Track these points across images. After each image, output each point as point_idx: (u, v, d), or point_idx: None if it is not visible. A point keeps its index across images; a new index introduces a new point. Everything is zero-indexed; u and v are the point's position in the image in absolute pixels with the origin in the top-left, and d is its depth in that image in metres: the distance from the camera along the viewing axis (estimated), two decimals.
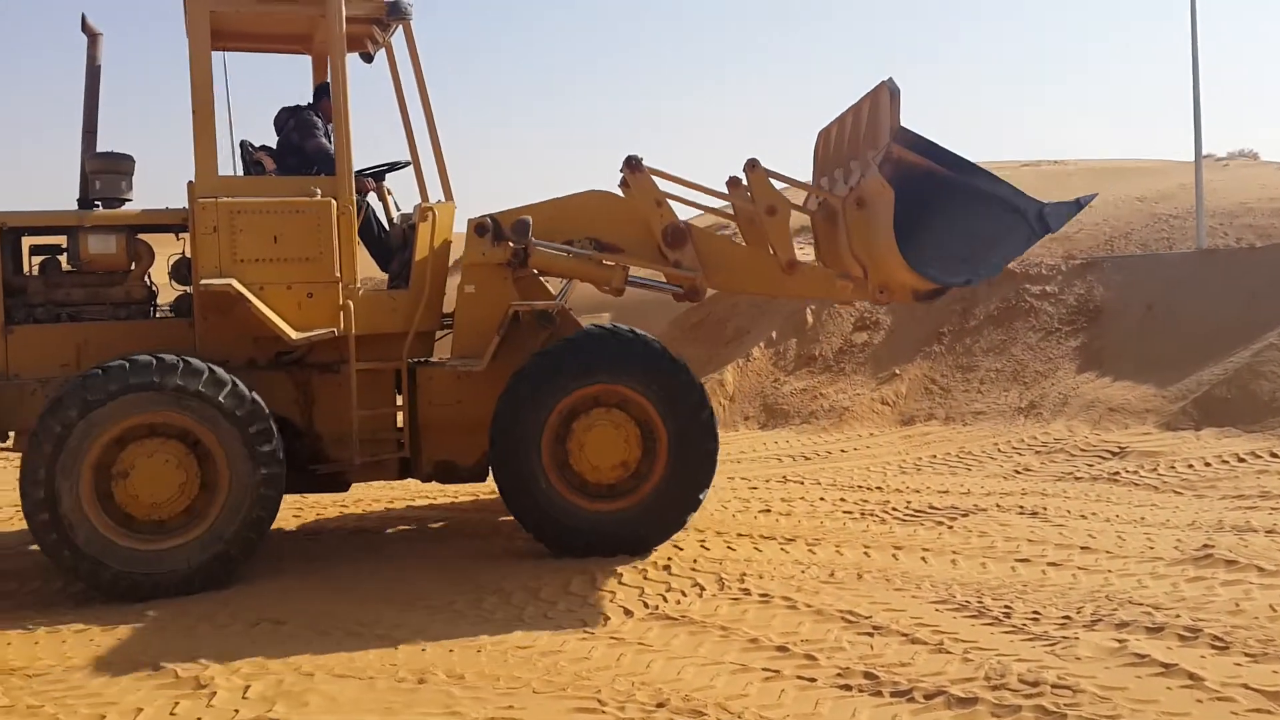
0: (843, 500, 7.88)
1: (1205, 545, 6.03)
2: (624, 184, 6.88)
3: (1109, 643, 4.59)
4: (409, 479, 7.11)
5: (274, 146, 7.18)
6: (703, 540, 6.77)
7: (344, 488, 7.03)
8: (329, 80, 6.85)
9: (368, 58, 7.29)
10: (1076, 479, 8.31)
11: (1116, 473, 8.37)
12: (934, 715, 3.99)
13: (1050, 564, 5.91)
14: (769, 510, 7.62)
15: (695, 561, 6.22)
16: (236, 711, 4.27)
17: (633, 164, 6.79)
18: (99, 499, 5.81)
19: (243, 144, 7.16)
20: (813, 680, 4.37)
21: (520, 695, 4.34)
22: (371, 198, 7.43)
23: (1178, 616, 4.88)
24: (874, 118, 6.45)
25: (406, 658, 4.82)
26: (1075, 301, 12.21)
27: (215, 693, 4.45)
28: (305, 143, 7.03)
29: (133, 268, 6.62)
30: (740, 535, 6.88)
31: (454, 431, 6.75)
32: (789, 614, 5.25)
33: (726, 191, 6.80)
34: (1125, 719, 3.84)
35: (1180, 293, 11.68)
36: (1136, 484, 7.95)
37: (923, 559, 6.16)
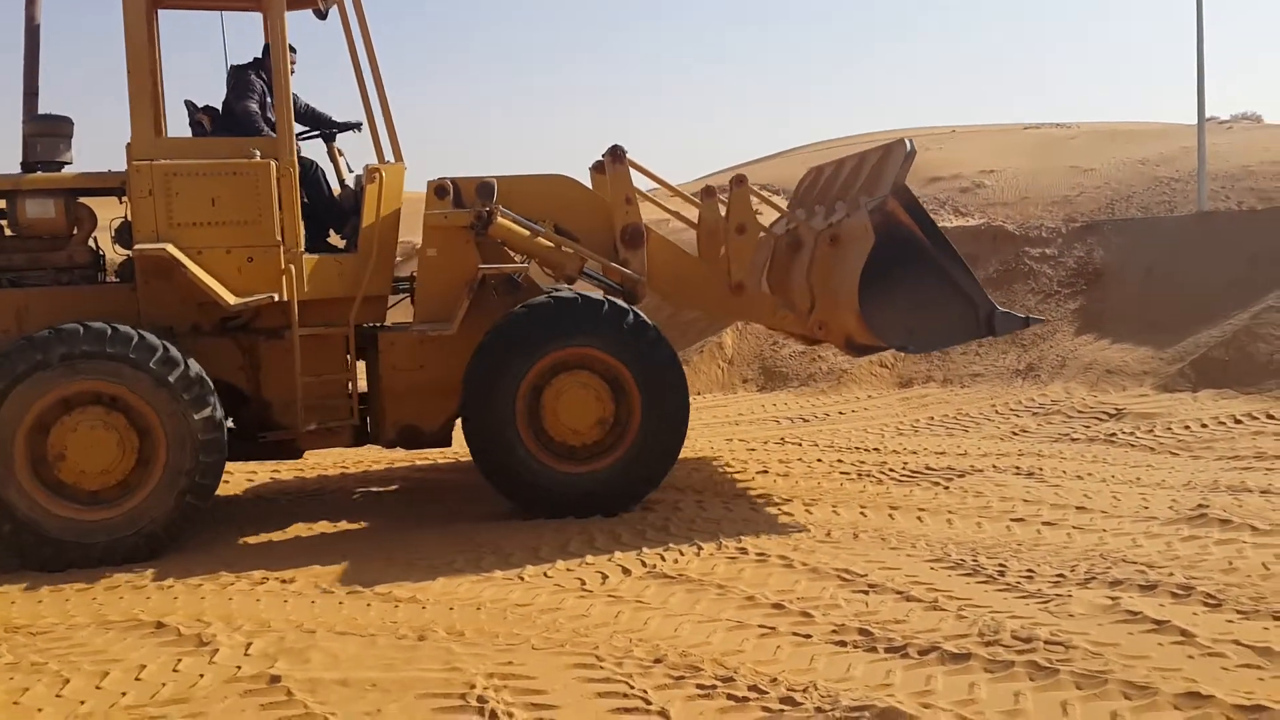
0: (840, 461, 7.92)
1: (1200, 505, 6.07)
2: (597, 170, 6.82)
3: (1102, 600, 4.64)
4: (364, 446, 7.08)
5: (218, 107, 7.04)
6: (700, 500, 6.81)
7: (296, 455, 6.96)
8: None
9: (321, 14, 7.00)
10: (1073, 440, 8.34)
11: (1113, 434, 8.40)
12: (928, 671, 4.03)
13: (1045, 523, 5.95)
14: (766, 471, 7.66)
15: (693, 521, 6.27)
16: (238, 668, 4.32)
17: (616, 154, 6.88)
18: (33, 467, 5.75)
19: (187, 104, 7.04)
20: (808, 636, 4.42)
21: (519, 651, 4.39)
22: (324, 159, 7.27)
23: (1171, 575, 4.92)
24: (880, 168, 6.73)
25: (407, 615, 4.88)
26: (1075, 264, 12.21)
27: (218, 650, 4.50)
28: (235, 103, 6.85)
29: (75, 232, 6.49)
30: (737, 495, 6.93)
31: (417, 396, 6.72)
32: (786, 572, 5.29)
33: (699, 199, 6.90)
34: (1117, 674, 3.88)
35: (1180, 256, 11.66)
36: (1133, 445, 7.99)
37: (918, 519, 6.21)
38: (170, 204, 6.13)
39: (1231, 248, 11.34)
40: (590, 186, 7.32)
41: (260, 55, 6.94)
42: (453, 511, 6.85)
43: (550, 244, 6.75)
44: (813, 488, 7.10)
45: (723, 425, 9.75)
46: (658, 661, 4.21)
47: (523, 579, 5.36)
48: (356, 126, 7.12)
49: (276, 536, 6.41)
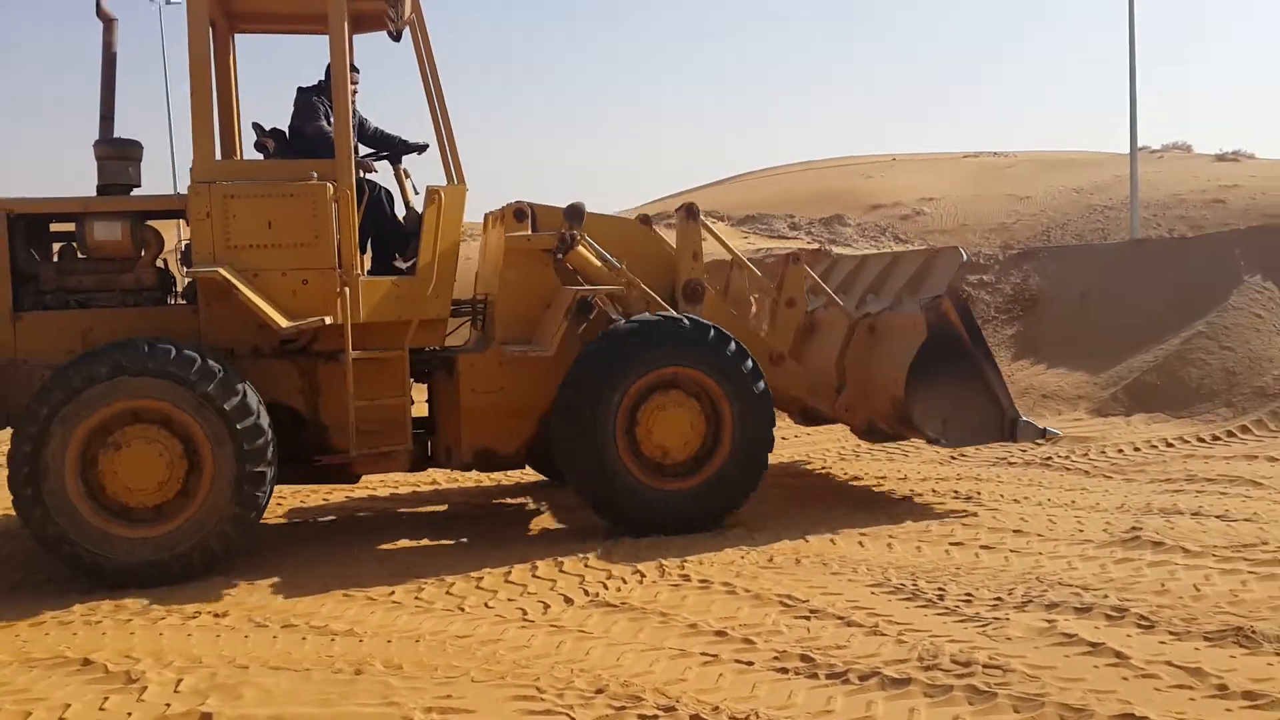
0: (783, 486, 7.95)
1: (1133, 528, 6.17)
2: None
3: (1039, 623, 4.69)
4: (424, 470, 7.14)
5: (284, 130, 7.00)
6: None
7: (353, 479, 6.94)
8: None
9: (395, 36, 6.77)
10: (1010, 464, 8.46)
11: (1049, 457, 8.53)
12: (868, 696, 4.04)
13: (983, 547, 6.02)
14: None
15: (636, 548, 6.24)
16: (168, 705, 4.21)
17: (691, 211, 7.25)
18: (84, 483, 5.73)
19: (254, 126, 7.02)
20: (750, 664, 4.41)
21: (459, 684, 4.32)
22: (390, 181, 7.22)
23: (1105, 597, 4.99)
24: (926, 269, 7.30)
25: (343, 649, 4.78)
26: (1012, 290, 12.44)
27: (146, 687, 4.37)
28: (305, 125, 6.85)
29: (142, 254, 6.51)
30: None
31: (495, 418, 6.78)
32: (728, 599, 5.29)
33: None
34: (1054, 697, 3.91)
35: (1114, 282, 11.93)
36: (1068, 468, 8.12)
37: (859, 543, 6.24)
38: (227, 226, 6.10)
39: (1163, 274, 11.63)
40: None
41: (324, 78, 6.91)
42: (392, 541, 6.76)
43: (623, 281, 6.88)
44: (756, 513, 7.11)
45: None
46: (599, 692, 4.17)
47: (463, 609, 5.30)
48: (422, 148, 7.10)
49: (208, 570, 6.27)
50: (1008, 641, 4.50)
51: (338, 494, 8.28)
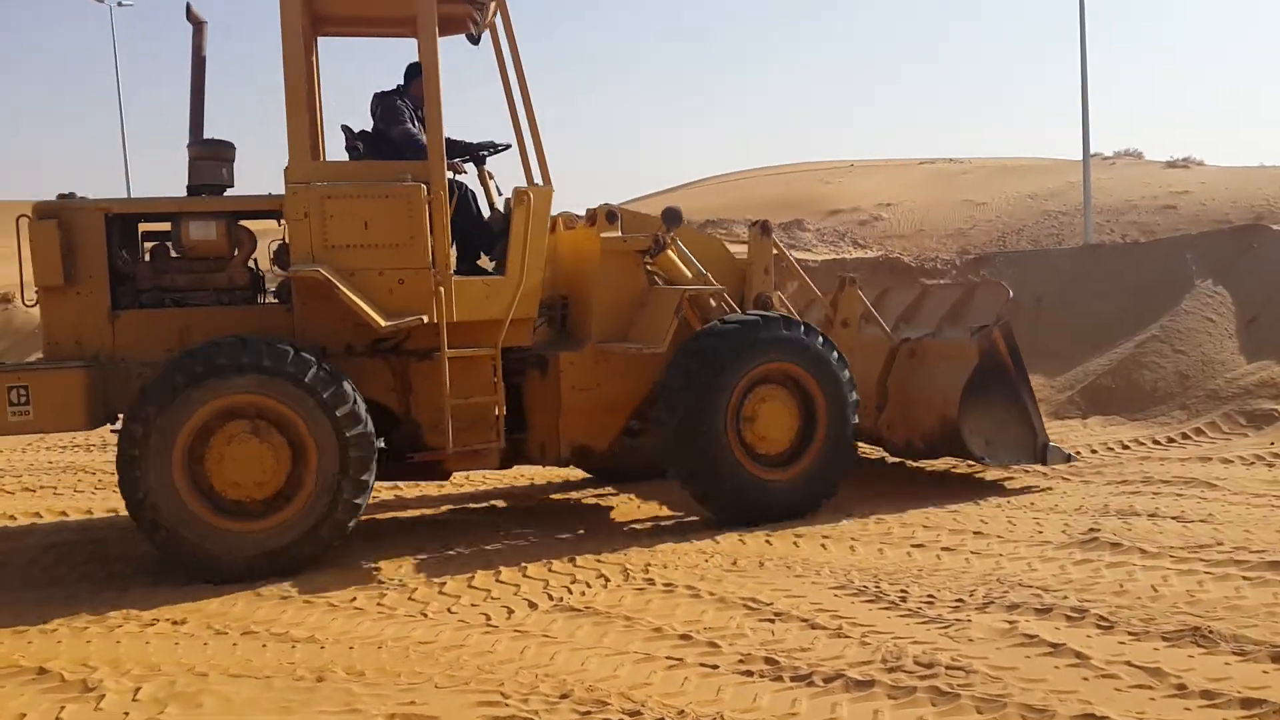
0: None
1: (1091, 529, 6.25)
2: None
3: (1000, 624, 4.73)
4: (511, 467, 7.27)
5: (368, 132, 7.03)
6: (606, 531, 6.78)
7: (444, 476, 7.03)
8: (418, 62, 6.84)
9: (474, 39, 7.05)
10: (968, 465, 8.53)
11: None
12: (833, 699, 4.05)
13: (944, 549, 6.07)
14: (672, 501, 7.66)
15: (600, 552, 6.23)
16: (126, 714, 4.13)
17: (765, 228, 7.64)
18: (191, 478, 5.82)
19: (344, 128, 7.04)
20: (715, 667, 4.41)
21: (422, 690, 4.29)
22: (473, 181, 7.26)
23: (1065, 598, 5.05)
24: (966, 302, 8.07)
25: (305, 655, 4.73)
26: None
27: (104, 695, 4.30)
28: (391, 128, 6.90)
29: (235, 254, 6.57)
30: (644, 526, 6.92)
31: (591, 415, 6.99)
32: (693, 602, 5.29)
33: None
34: (1015, 697, 3.95)
35: (1068, 287, 12.08)
36: (1026, 470, 8.20)
37: (822, 545, 6.27)
38: (325, 226, 6.18)
39: (1117, 279, 11.81)
40: None
41: (403, 82, 7.06)
42: (354, 546, 6.69)
43: (706, 286, 7.22)
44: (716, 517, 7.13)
45: None
46: (564, 697, 4.15)
47: (426, 615, 5.26)
48: (507, 147, 7.15)
49: (169, 575, 6.17)
50: (970, 643, 4.54)
51: None
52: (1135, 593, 5.11)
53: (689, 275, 7.26)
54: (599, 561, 6.06)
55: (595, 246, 7.07)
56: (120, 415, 6.26)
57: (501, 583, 5.74)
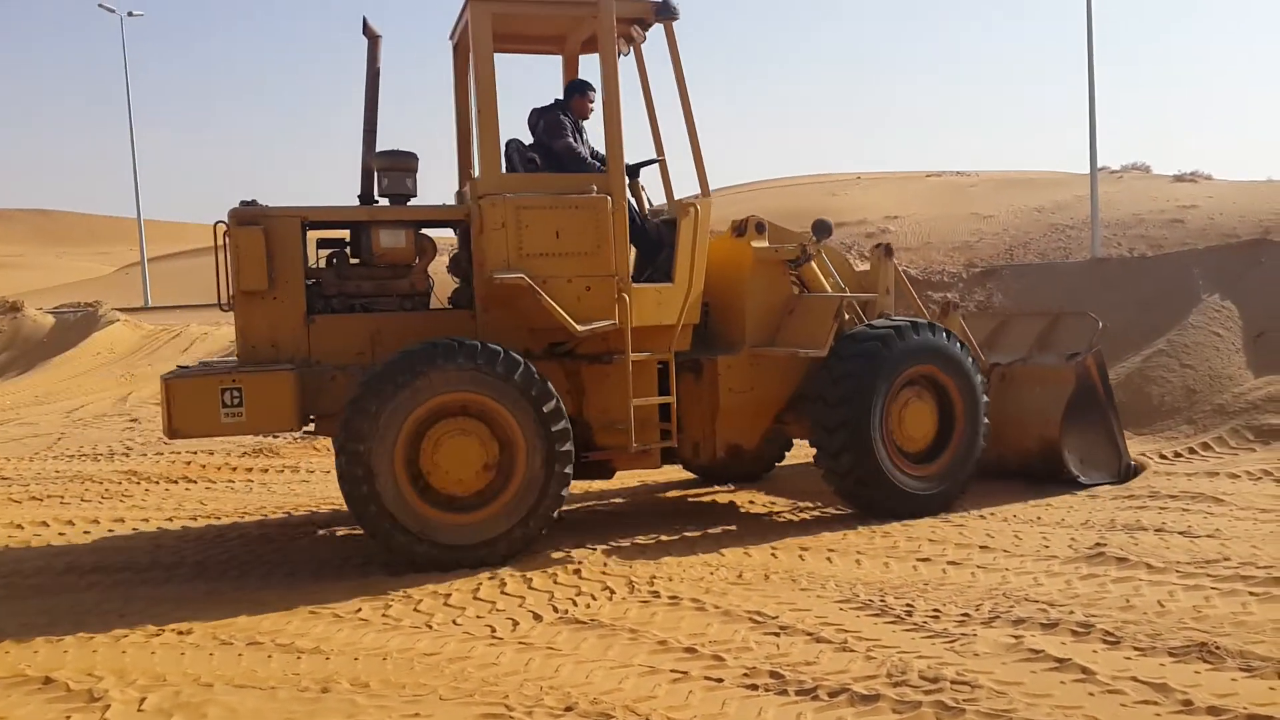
0: (751, 503, 7.97)
1: (1098, 544, 6.23)
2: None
3: (1006, 639, 4.72)
4: (667, 466, 7.50)
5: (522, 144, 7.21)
6: (612, 543, 6.78)
7: (609, 475, 7.26)
8: (578, 79, 7.37)
9: (622, 51, 7.26)
10: (976, 480, 8.51)
11: (1014, 474, 8.59)
12: (837, 713, 4.05)
13: (950, 563, 6.06)
14: (679, 512, 7.65)
15: (605, 565, 6.23)
16: None
17: (888, 251, 8.04)
18: (409, 474, 6.09)
19: (510, 143, 7.17)
20: (720, 680, 4.40)
21: (426, 702, 4.29)
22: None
23: (1071, 613, 5.03)
24: (1052, 332, 8.63)
25: (310, 667, 4.73)
26: (976, 308, 12.53)
27: (109, 705, 4.31)
28: (554, 143, 7.10)
29: (417, 261, 6.86)
30: (649, 538, 6.91)
31: (745, 416, 7.37)
32: (697, 615, 5.29)
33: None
34: (1021, 713, 3.94)
35: (1076, 301, 12.04)
36: (1032, 484, 8.17)
37: (828, 559, 6.26)
38: (520, 236, 6.47)
39: (1124, 293, 11.78)
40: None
41: (561, 97, 7.36)
42: (359, 557, 6.70)
43: (861, 294, 7.69)
44: (724, 530, 7.12)
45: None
46: (569, 710, 4.15)
47: (431, 627, 5.26)
48: (658, 161, 7.40)
49: (175, 585, 6.19)
50: (975, 657, 4.53)
51: (302, 509, 8.21)
52: (1141, 608, 5.10)
53: (827, 285, 7.68)
54: (604, 574, 6.05)
55: (747, 256, 7.42)
56: (313, 418, 6.68)
57: (506, 594, 5.73)
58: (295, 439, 11.98)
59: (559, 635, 5.07)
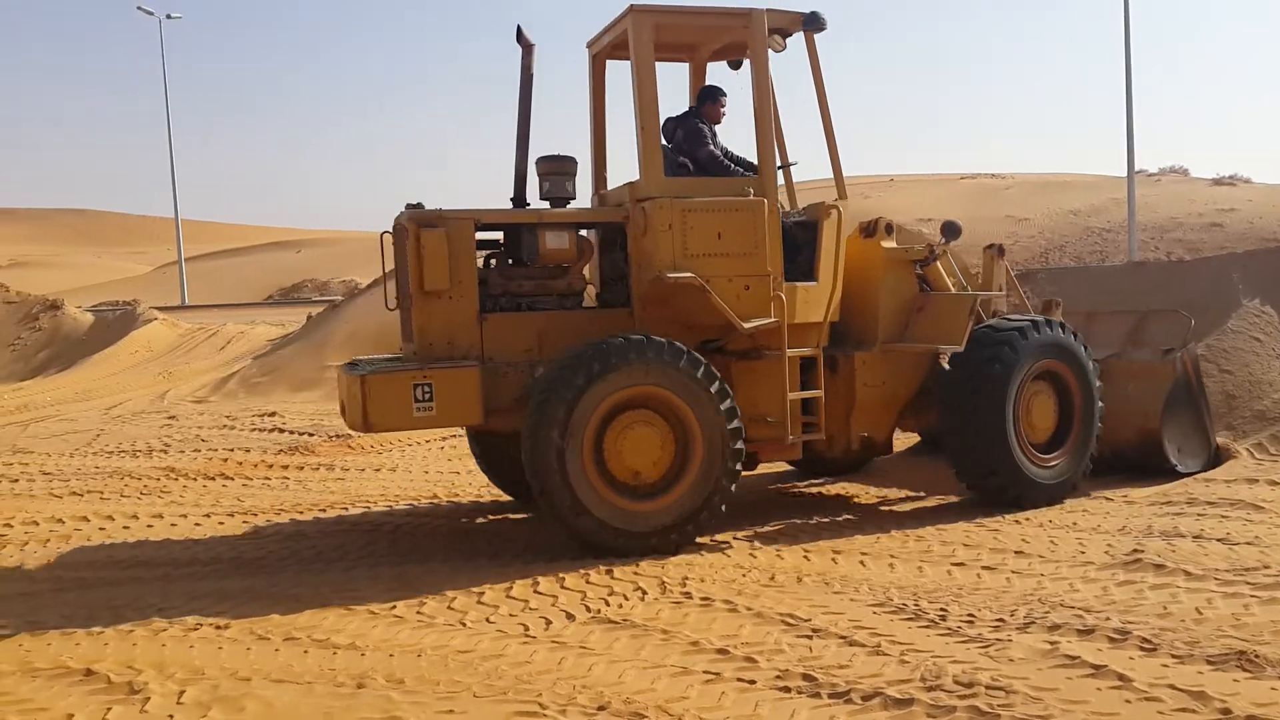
0: (786, 502, 7.94)
1: (1135, 550, 6.17)
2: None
3: (1041, 644, 4.69)
4: (800, 458, 7.78)
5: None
6: None
7: (753, 466, 7.45)
8: (711, 86, 7.66)
9: (736, 65, 7.87)
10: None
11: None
12: (871, 716, 4.04)
13: (985, 567, 6.02)
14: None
15: (637, 565, 6.24)
16: (171, 717, 4.21)
17: (999, 251, 8.45)
18: (596, 462, 6.35)
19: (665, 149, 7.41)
20: (752, 682, 4.41)
21: (460, 699, 4.32)
22: None
23: (1108, 619, 4.99)
24: (1143, 328, 9.21)
25: (345, 662, 4.78)
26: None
27: (149, 698, 4.38)
28: (697, 151, 7.35)
29: (574, 262, 7.13)
30: None
31: (879, 410, 7.70)
32: (730, 617, 5.29)
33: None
34: (1056, 719, 3.92)
35: (1112, 304, 11.91)
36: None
37: (861, 562, 6.24)
38: (686, 237, 6.76)
39: (1161, 297, 11.61)
40: None
41: (695, 105, 7.65)
42: (394, 555, 6.76)
43: (992, 293, 8.14)
44: (756, 531, 7.12)
45: None
46: (601, 709, 4.17)
47: (465, 625, 5.29)
48: (793, 165, 7.71)
49: (214, 581, 6.27)
50: (1010, 663, 4.51)
51: (334, 509, 8.28)
52: (1179, 615, 5.05)
53: (950, 284, 7.95)
54: (636, 574, 6.06)
55: (878, 255, 7.72)
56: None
57: (539, 594, 5.76)
58: (331, 438, 12.09)
59: (592, 635, 5.09)
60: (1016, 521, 7.15)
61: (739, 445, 6.59)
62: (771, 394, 7.01)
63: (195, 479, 9.70)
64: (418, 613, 5.49)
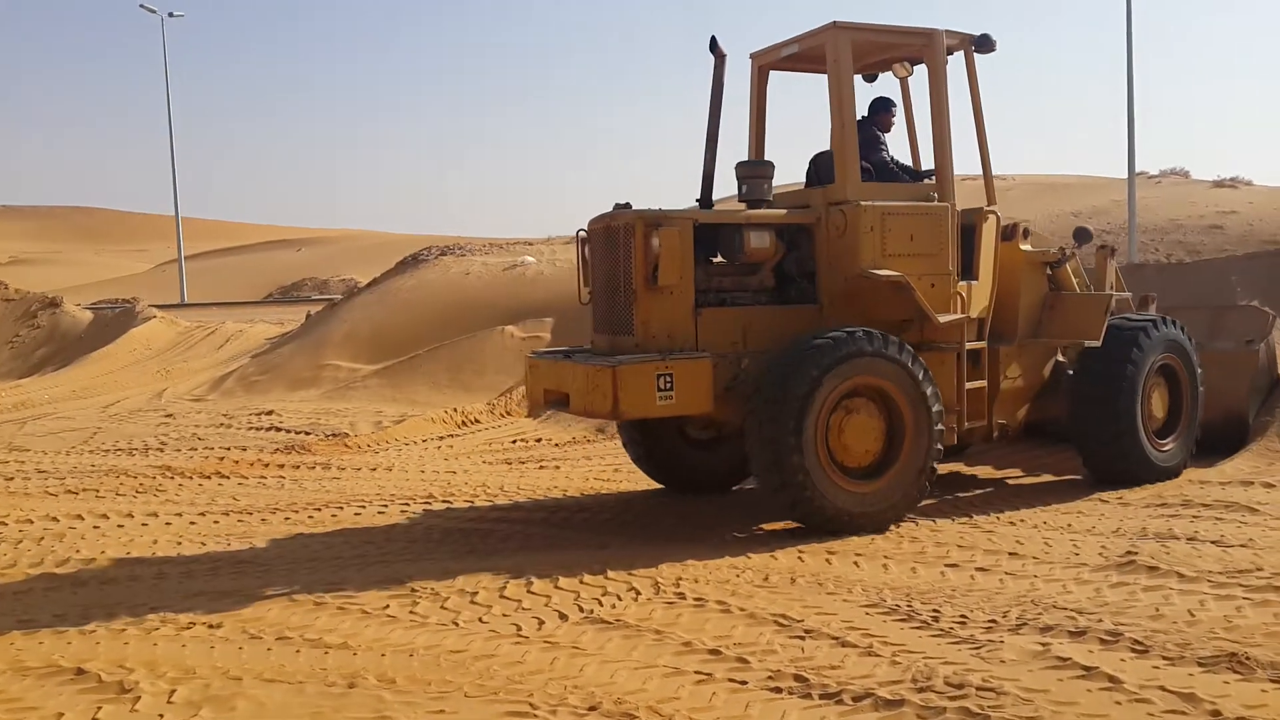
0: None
1: (1129, 552, 6.17)
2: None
3: (1033, 646, 4.69)
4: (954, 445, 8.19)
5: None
6: (638, 544, 6.79)
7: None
8: (883, 97, 8.21)
9: (871, 78, 8.48)
10: (1006, 484, 8.45)
11: (1044, 479, 8.52)
12: (861, 717, 4.04)
13: (978, 569, 6.02)
14: (703, 513, 7.65)
15: (631, 565, 6.24)
16: (161, 716, 4.21)
17: (1111, 252, 9.16)
18: (824, 446, 6.79)
19: (824, 154, 7.88)
20: (744, 683, 4.40)
21: (452, 699, 4.32)
22: None
23: (1100, 621, 4.99)
24: (1223, 319, 9.93)
25: (337, 662, 4.78)
26: None
27: (140, 697, 4.37)
28: (871, 156, 7.79)
29: (770, 260, 7.47)
30: (674, 538, 6.92)
31: (1014, 400, 8.31)
32: (723, 617, 5.28)
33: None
34: None
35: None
36: (1064, 491, 8.11)
37: (855, 563, 6.24)
38: (884, 238, 7.29)
39: (1161, 299, 11.61)
40: None
41: (868, 114, 8.07)
42: (388, 554, 6.76)
43: (1121, 294, 8.77)
44: (751, 533, 7.12)
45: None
46: (593, 709, 4.17)
47: (458, 624, 5.29)
48: (931, 174, 8.00)
49: (207, 580, 6.27)
50: (1002, 664, 4.50)
51: (329, 508, 8.28)
52: (1171, 617, 5.05)
53: (1075, 284, 8.58)
54: (630, 574, 6.06)
55: (1018, 257, 8.23)
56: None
57: (533, 594, 5.76)
58: (327, 437, 12.10)
59: (584, 635, 5.09)
60: (1011, 523, 7.15)
61: (940, 431, 7.11)
62: (945, 384, 7.46)
63: (191, 477, 9.70)
64: (411, 612, 5.48)
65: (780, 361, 6.81)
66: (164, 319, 23.60)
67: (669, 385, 6.73)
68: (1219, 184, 27.42)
